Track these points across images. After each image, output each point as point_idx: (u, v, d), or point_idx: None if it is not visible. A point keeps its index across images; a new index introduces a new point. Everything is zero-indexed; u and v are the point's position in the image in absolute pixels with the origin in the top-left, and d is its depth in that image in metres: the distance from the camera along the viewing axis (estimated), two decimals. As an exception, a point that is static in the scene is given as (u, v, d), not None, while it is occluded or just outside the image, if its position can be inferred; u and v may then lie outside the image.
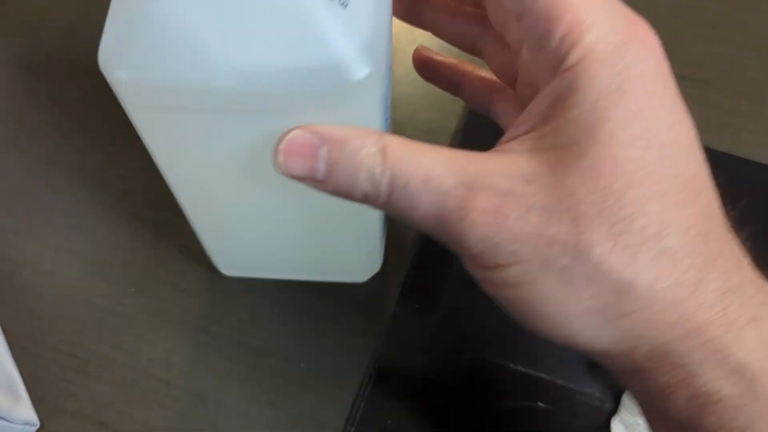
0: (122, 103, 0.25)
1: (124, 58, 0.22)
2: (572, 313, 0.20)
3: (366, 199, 0.21)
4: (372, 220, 0.32)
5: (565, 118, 0.19)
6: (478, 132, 0.40)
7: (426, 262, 0.37)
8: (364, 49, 0.21)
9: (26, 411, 0.34)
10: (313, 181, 0.22)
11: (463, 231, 0.20)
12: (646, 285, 0.19)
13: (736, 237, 0.21)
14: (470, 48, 0.29)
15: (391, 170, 0.20)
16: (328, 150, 0.21)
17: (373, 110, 0.24)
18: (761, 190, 0.38)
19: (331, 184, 0.21)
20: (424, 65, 0.31)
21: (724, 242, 0.20)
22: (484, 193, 0.19)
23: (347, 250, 0.35)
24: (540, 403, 0.33)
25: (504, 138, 0.21)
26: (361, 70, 0.21)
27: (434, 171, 0.20)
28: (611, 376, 0.31)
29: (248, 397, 0.35)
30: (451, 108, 0.43)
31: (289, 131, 0.21)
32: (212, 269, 0.38)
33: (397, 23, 0.43)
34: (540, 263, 0.19)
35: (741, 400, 0.19)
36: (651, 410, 0.21)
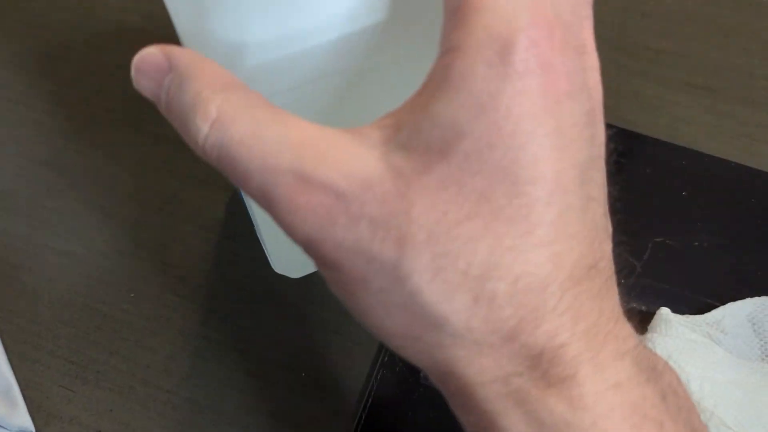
0: None
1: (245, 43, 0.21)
2: (392, 333, 0.19)
3: (203, 154, 0.19)
4: None
5: (428, 116, 0.18)
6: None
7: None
8: None
9: (22, 417, 0.33)
10: (159, 106, 0.20)
11: (290, 223, 0.18)
12: (459, 325, 0.17)
13: (604, 288, 0.19)
14: None
15: (218, 133, 0.18)
16: (169, 80, 0.19)
17: None
18: (775, 201, 0.38)
19: (171, 117, 0.19)
20: None
21: (570, 295, 0.18)
22: (318, 189, 0.18)
23: None
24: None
25: (389, 112, 0.20)
26: None
27: (275, 148, 0.18)
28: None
29: (249, 406, 0.34)
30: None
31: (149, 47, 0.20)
32: (213, 275, 0.38)
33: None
34: (358, 279, 0.18)
35: None
36: None
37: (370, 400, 0.33)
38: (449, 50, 0.17)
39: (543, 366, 0.18)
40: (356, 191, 0.17)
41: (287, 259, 0.36)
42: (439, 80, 0.18)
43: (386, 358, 0.34)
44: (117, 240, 0.39)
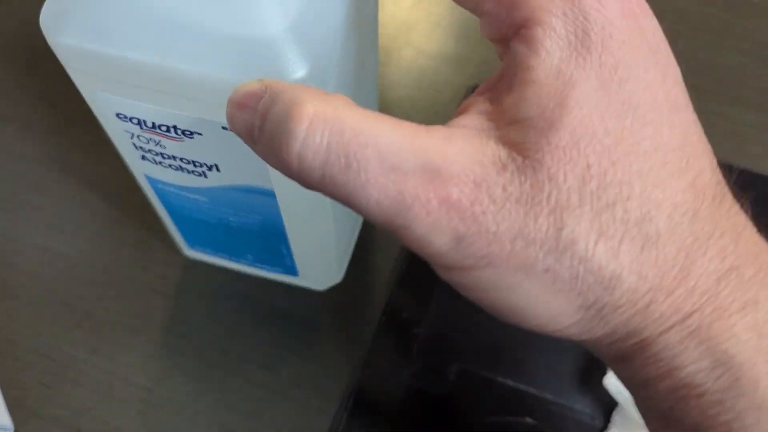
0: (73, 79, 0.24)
1: (70, 23, 0.21)
2: (560, 312, 0.18)
3: (301, 170, 0.17)
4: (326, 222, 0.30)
5: (528, 84, 0.17)
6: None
7: (414, 269, 0.36)
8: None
9: (1, 415, 0.33)
10: (251, 140, 0.18)
11: (429, 226, 0.17)
12: (632, 278, 0.17)
13: (736, 204, 0.19)
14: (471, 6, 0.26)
15: (332, 132, 0.16)
16: (263, 102, 0.17)
17: None
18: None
19: (263, 142, 0.17)
20: None
21: (719, 215, 0.18)
22: (453, 182, 0.16)
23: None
24: (528, 419, 0.32)
25: (464, 104, 0.19)
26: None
27: (392, 145, 0.16)
28: (601, 392, 0.31)
29: (228, 405, 0.34)
30: (446, 111, 0.42)
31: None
32: (195, 274, 0.37)
33: (393, 24, 0.43)
34: (518, 267, 0.17)
35: (725, 395, 0.17)
36: (638, 399, 0.20)
37: (351, 400, 0.33)
38: (527, 22, 0.17)
39: (721, 295, 0.17)
40: (493, 175, 0.16)
41: (315, 271, 0.35)
42: (528, 51, 0.17)
43: (369, 358, 0.34)
44: (99, 237, 0.39)
